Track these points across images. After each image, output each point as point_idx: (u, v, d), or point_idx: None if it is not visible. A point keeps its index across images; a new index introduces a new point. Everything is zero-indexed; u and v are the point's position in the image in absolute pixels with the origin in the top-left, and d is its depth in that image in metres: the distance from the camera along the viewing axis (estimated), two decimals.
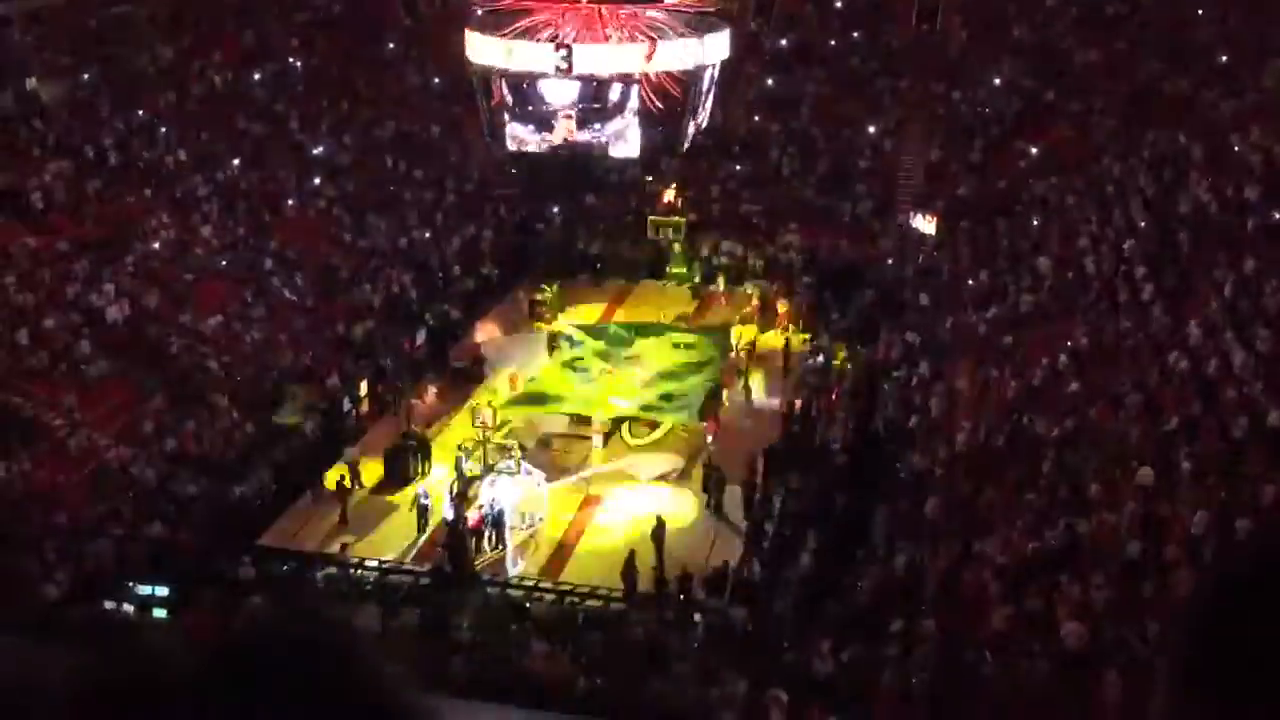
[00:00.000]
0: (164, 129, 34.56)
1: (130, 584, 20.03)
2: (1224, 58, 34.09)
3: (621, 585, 20.72)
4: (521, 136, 27.24)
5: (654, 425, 26.88)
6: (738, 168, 39.90)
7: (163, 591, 19.68)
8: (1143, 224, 27.65)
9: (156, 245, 30.38)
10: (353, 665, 1.06)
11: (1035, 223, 31.86)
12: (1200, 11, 37.67)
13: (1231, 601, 0.98)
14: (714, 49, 25.90)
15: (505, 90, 26.59)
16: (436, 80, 43.06)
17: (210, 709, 1.00)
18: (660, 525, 21.60)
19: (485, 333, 32.84)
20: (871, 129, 40.23)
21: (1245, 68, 32.65)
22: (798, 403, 27.20)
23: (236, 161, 35.04)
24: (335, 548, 22.45)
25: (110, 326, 27.26)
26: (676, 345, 29.40)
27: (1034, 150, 36.15)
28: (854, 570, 20.25)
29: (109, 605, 19.46)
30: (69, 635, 1.14)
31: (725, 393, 28.16)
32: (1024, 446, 21.77)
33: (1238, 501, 17.15)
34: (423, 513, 23.22)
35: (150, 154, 33.31)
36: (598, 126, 26.53)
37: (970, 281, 30.47)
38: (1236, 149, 28.27)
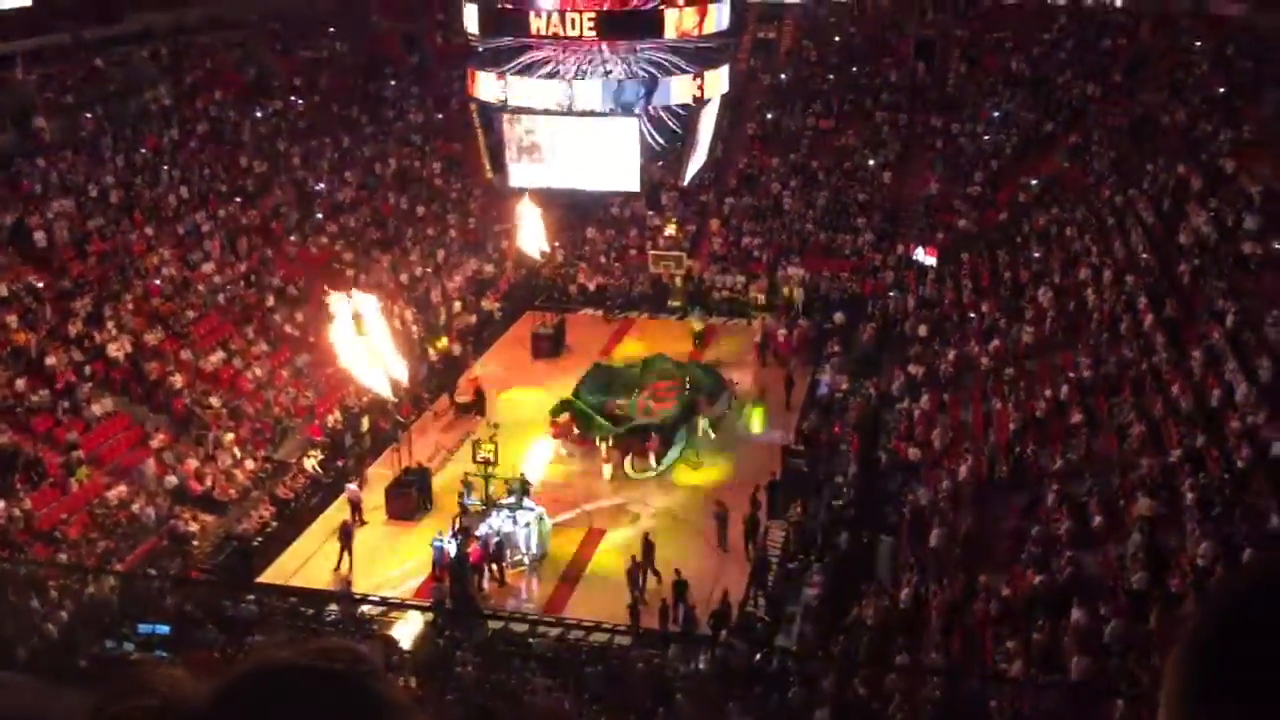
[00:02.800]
0: (166, 166, 34.76)
1: (132, 623, 19.92)
2: (1221, 89, 34.29)
3: (627, 620, 20.66)
4: (523, 172, 27.34)
5: (658, 458, 26.82)
6: (739, 201, 40.09)
7: (164, 630, 19.56)
8: (1143, 254, 27.72)
9: (158, 282, 30.46)
10: (367, 698, 1.05)
11: (1036, 254, 31.94)
12: (1197, 43, 37.93)
13: (1233, 620, 0.97)
14: (714, 84, 26.02)
15: (507, 126, 26.70)
16: (439, 116, 43.39)
17: None
18: (649, 546, 21.58)
19: (487, 367, 32.85)
20: (871, 162, 40.43)
21: (1242, 98, 32.85)
22: (801, 435, 27.17)
23: (238, 198, 35.19)
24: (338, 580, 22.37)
25: (112, 364, 27.29)
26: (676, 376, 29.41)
27: (1034, 182, 36.29)
28: (859, 603, 20.13)
29: (110, 644, 19.36)
30: (77, 674, 1.13)
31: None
32: (1027, 478, 21.73)
33: (1242, 532, 17.09)
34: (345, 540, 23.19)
35: (152, 192, 33.47)
36: (600, 160, 26.62)
37: (971, 313, 30.51)
38: (1235, 179, 28.38)
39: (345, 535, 23.25)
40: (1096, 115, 37.76)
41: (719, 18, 23.15)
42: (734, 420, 29.08)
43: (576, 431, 27.58)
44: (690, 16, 23.02)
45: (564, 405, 28.04)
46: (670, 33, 22.92)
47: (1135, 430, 21.08)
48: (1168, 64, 37.80)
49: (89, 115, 35.12)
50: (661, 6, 22.79)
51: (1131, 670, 15.42)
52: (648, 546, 21.83)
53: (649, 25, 23.06)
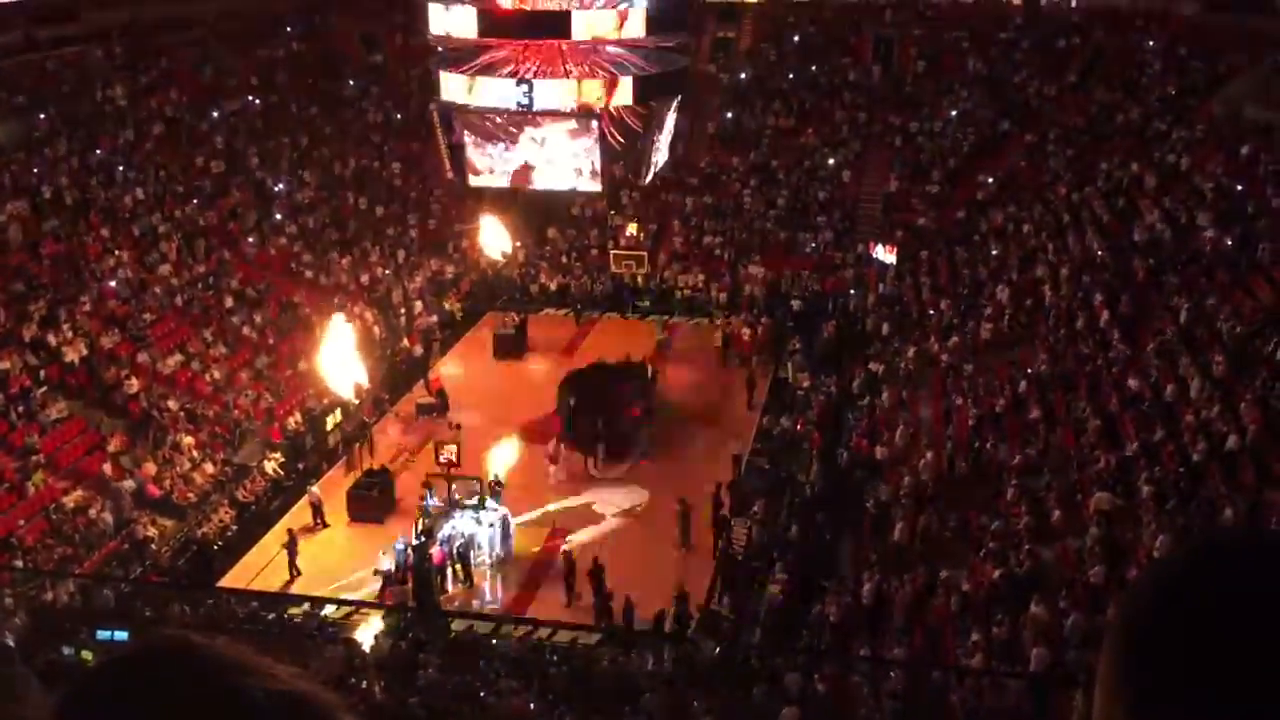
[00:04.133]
0: (121, 168, 34.35)
1: (90, 629, 19.67)
2: (1173, 89, 34.78)
3: (592, 620, 20.66)
4: (483, 171, 27.25)
5: (621, 457, 26.83)
6: (700, 200, 40.18)
7: (122, 636, 19.33)
8: (1098, 252, 28.06)
9: (114, 284, 30.09)
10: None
11: (993, 251, 32.24)
12: (1150, 43, 38.43)
13: (1160, 600, 0.99)
14: (674, 84, 26.06)
15: (466, 126, 26.62)
16: (398, 116, 43.16)
17: None
18: (598, 568, 21.18)
19: (448, 368, 32.74)
20: (831, 161, 40.65)
21: (1195, 97, 33.33)
22: (763, 433, 27.29)
23: (196, 199, 34.84)
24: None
25: (68, 367, 26.94)
26: None
27: (990, 180, 36.63)
28: (822, 600, 20.25)
29: (67, 650, 19.12)
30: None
31: None
32: (987, 474, 21.95)
33: (1197, 524, 17.35)
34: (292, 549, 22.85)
35: (108, 193, 33.07)
36: (558, 162, 26.59)
37: (931, 310, 30.76)
38: (1188, 177, 28.80)
39: (291, 545, 22.91)
40: (1052, 114, 38.17)
41: (636, 24, 23.06)
42: (694, 416, 29.16)
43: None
44: (607, 19, 22.94)
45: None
46: (582, 35, 22.91)
47: (1092, 425, 21.34)
48: (1122, 64, 38.27)
49: (43, 115, 34.63)
50: (569, 9, 22.76)
51: (1090, 661, 15.60)
52: (596, 568, 21.33)
53: (556, 27, 23.04)
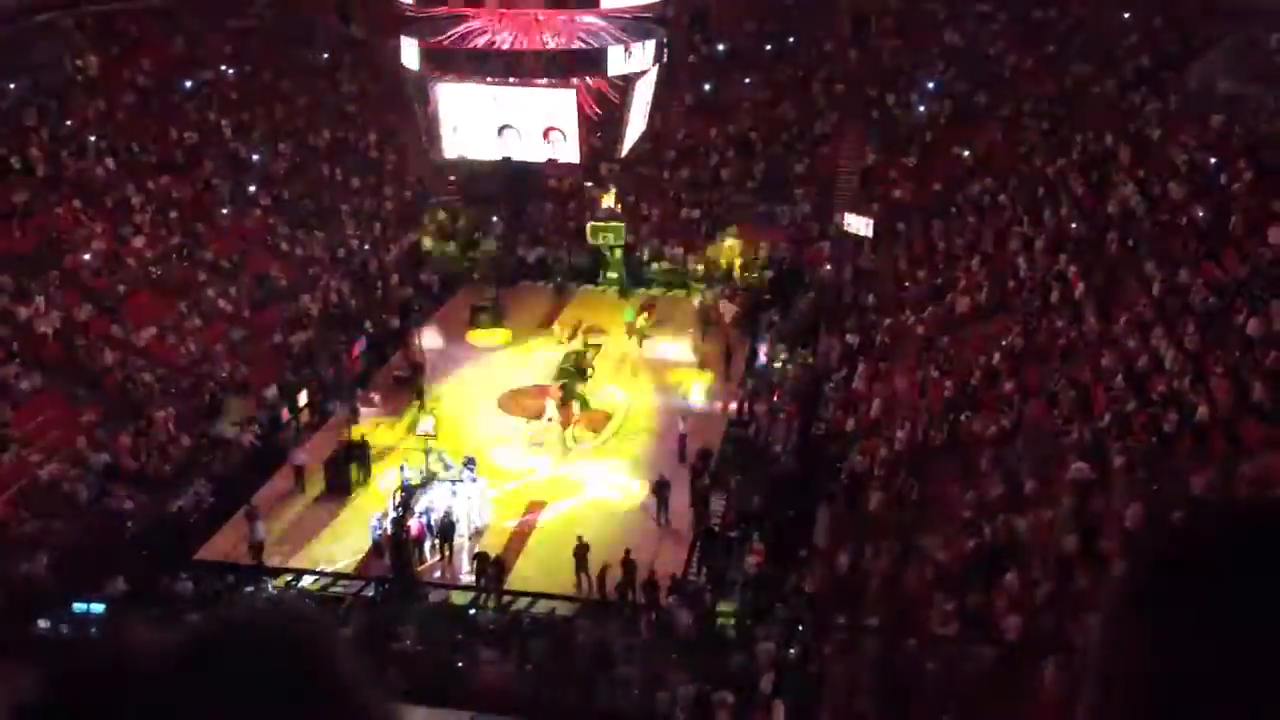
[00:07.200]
0: (93, 138, 33.97)
1: (65, 602, 19.64)
2: (1147, 61, 34.86)
3: (573, 588, 20.80)
4: (459, 142, 27.13)
5: (598, 430, 26.92)
6: (677, 172, 40.08)
7: (99, 609, 19.32)
8: (1073, 224, 28.17)
9: (87, 257, 29.84)
10: (328, 665, 1.04)
11: (970, 224, 32.33)
12: (1126, 16, 38.48)
13: (1162, 565, 1.03)
14: (650, 55, 25.96)
15: (441, 96, 26.45)
16: (374, 87, 42.79)
17: (177, 706, 0.98)
18: (583, 546, 21.22)
19: (425, 340, 32.65)
20: (809, 133, 40.58)
21: (1169, 70, 33.42)
22: (741, 405, 27.38)
23: (169, 171, 34.51)
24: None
25: (41, 340, 26.71)
26: None
27: (967, 153, 36.68)
28: (798, 570, 20.40)
29: (44, 624, 19.09)
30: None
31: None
32: (962, 445, 22.09)
33: (1169, 494, 17.53)
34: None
35: (79, 164, 32.72)
36: (535, 133, 26.48)
37: (907, 283, 30.85)
38: (1162, 149, 28.91)
39: (251, 516, 22.84)
40: (1028, 86, 38.21)
41: None
42: (670, 390, 29.24)
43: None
44: None
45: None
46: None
47: (1065, 397, 21.50)
48: (1097, 36, 38.30)
49: (12, 85, 34.17)
50: None
51: (1063, 629, 15.79)
52: (582, 548, 21.35)
53: None
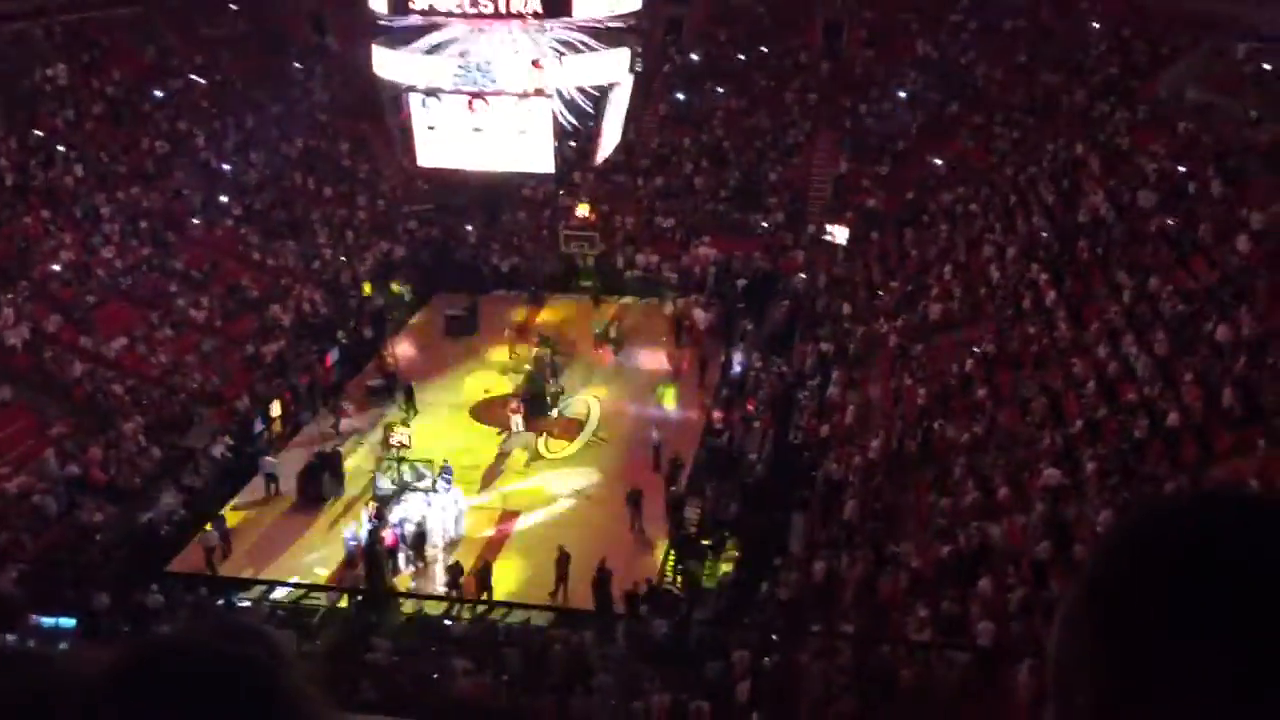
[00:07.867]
0: (62, 148, 33.69)
1: (34, 616, 19.39)
2: (1116, 70, 35.17)
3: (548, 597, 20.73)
4: (433, 151, 27.04)
5: (571, 438, 26.86)
6: (650, 181, 40.13)
7: (68, 623, 19.09)
8: (1044, 232, 28.37)
9: (57, 267, 29.56)
10: (265, 683, 1.03)
11: (942, 232, 32.51)
12: (1095, 26, 38.81)
13: (1122, 561, 1.02)
14: (625, 64, 25.97)
15: (415, 106, 26.37)
16: (346, 96, 42.65)
17: None
18: (564, 556, 21.10)
19: (399, 350, 32.50)
20: (782, 142, 40.73)
21: (1138, 79, 33.73)
22: (715, 413, 27.37)
23: (139, 181, 34.25)
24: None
25: (10, 351, 26.44)
26: None
27: (939, 162, 36.89)
28: (773, 578, 20.40)
29: (11, 638, 18.83)
30: None
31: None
32: (936, 452, 22.17)
33: (1140, 499, 17.63)
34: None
35: (48, 174, 32.43)
36: (509, 142, 26.44)
37: (880, 291, 30.97)
38: (1131, 158, 29.15)
39: (220, 526, 22.71)
40: (999, 96, 38.49)
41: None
42: (643, 398, 29.23)
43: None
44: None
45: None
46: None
47: (1038, 404, 21.62)
48: (1067, 46, 38.62)
49: None
50: None
51: (1036, 635, 15.85)
52: (564, 558, 21.23)
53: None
